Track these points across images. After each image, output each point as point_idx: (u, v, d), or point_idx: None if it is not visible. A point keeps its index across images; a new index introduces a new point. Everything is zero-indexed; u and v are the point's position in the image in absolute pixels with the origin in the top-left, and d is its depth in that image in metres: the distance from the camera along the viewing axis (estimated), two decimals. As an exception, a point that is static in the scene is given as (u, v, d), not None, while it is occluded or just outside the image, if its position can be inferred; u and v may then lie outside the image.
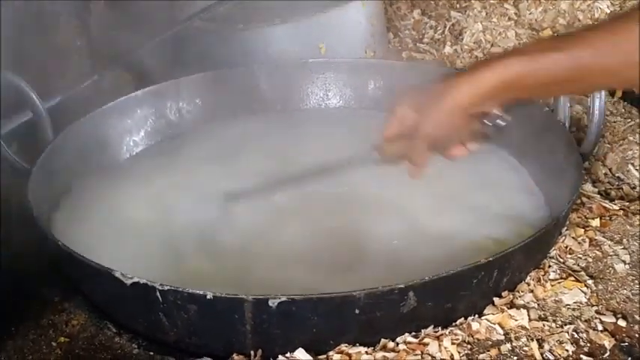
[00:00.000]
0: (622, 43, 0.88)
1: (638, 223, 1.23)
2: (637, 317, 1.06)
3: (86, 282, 1.11)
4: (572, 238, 1.19)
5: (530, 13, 1.98)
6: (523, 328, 1.04)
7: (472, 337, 1.03)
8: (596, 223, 1.23)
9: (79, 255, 1.03)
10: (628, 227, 1.23)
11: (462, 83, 0.98)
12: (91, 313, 1.11)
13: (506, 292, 1.08)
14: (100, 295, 1.10)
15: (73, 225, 1.26)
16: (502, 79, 0.95)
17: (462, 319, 1.04)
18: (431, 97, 1.01)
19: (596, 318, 1.05)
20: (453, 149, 1.06)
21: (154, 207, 1.31)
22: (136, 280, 0.96)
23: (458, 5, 2.07)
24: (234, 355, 1.00)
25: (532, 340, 1.02)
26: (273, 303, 0.93)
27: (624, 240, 1.20)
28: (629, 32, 0.87)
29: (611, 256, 1.17)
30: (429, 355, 0.99)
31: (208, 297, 0.94)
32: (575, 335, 1.03)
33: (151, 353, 1.04)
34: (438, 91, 1.00)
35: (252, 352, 1.00)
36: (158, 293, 0.96)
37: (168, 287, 0.95)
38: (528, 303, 1.08)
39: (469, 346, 1.01)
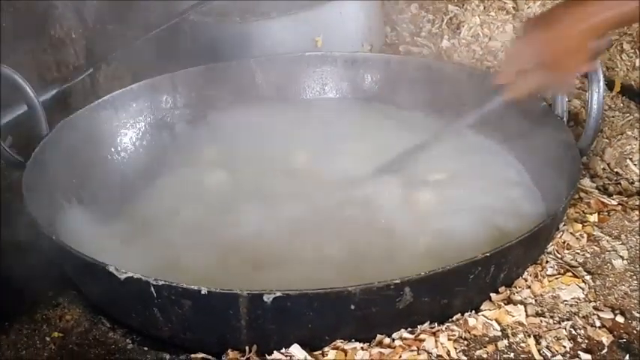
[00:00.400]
0: None
1: (636, 218, 1.23)
2: (635, 313, 1.05)
3: (80, 277, 1.10)
4: (570, 233, 1.19)
5: (528, 7, 1.97)
6: (520, 324, 1.03)
7: (469, 333, 1.02)
8: (594, 218, 1.23)
9: (73, 249, 1.02)
10: (626, 223, 1.22)
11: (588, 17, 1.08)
12: (85, 308, 1.10)
13: (503, 288, 1.08)
14: (94, 290, 1.09)
15: (69, 219, 1.25)
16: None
17: (459, 314, 1.04)
18: (556, 30, 1.11)
19: (594, 314, 1.05)
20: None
21: (153, 203, 1.30)
22: (129, 275, 0.95)
23: (456, -1, 2.06)
24: (229, 351, 1.00)
25: (529, 336, 1.01)
26: (268, 298, 0.92)
27: (622, 235, 1.19)
28: None
29: (609, 251, 1.16)
30: (425, 351, 0.99)
31: (203, 292, 0.93)
32: (573, 331, 1.02)
33: (145, 348, 1.03)
34: (563, 26, 1.10)
35: (247, 348, 0.99)
36: (152, 288, 0.95)
37: (163, 282, 0.94)
38: (525, 299, 1.07)
39: (465, 342, 1.01)
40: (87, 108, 1.40)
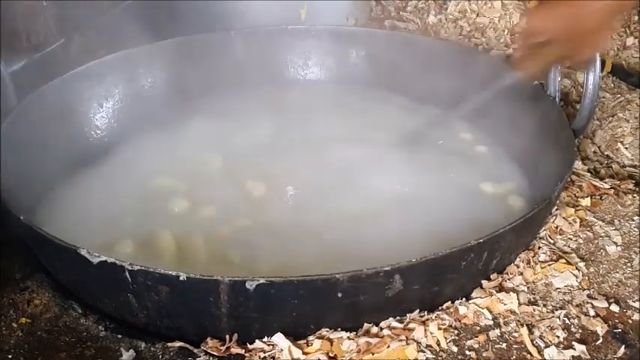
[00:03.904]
0: None
1: (629, 202, 1.19)
2: (630, 302, 1.01)
3: (50, 260, 1.04)
4: (563, 218, 1.15)
5: (516, -17, 1.92)
6: (512, 312, 0.99)
7: (459, 321, 0.98)
8: (586, 202, 1.19)
9: (42, 231, 0.96)
10: (619, 207, 1.19)
11: None
12: (55, 292, 1.04)
13: (495, 275, 1.04)
14: (65, 273, 1.03)
15: (39, 198, 1.19)
16: None
17: (449, 302, 1.00)
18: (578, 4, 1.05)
19: (588, 303, 1.01)
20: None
21: (125, 184, 1.24)
22: (103, 258, 0.90)
23: (443, -27, 2.00)
24: (208, 339, 0.95)
25: (522, 325, 0.97)
26: (250, 285, 0.87)
27: (616, 220, 1.16)
28: None
29: (602, 237, 1.12)
30: (414, 340, 0.94)
31: (181, 278, 0.88)
32: (567, 321, 0.98)
33: (119, 336, 0.97)
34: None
35: (227, 336, 0.94)
36: (127, 273, 0.90)
37: (139, 267, 0.89)
38: (518, 286, 1.03)
39: (456, 332, 0.97)
40: (58, 80, 1.33)
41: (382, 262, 0.89)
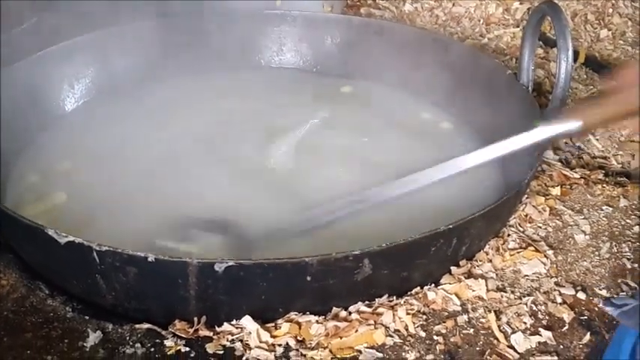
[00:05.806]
0: None
1: (599, 192, 1.21)
2: (597, 290, 1.03)
3: (17, 240, 1.03)
4: (533, 206, 1.16)
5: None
6: (480, 298, 1.00)
7: (428, 307, 0.98)
8: (556, 191, 1.20)
9: (9, 210, 0.95)
10: (589, 197, 1.20)
11: None
12: (22, 273, 1.03)
13: (464, 261, 1.04)
14: (32, 254, 1.02)
15: (5, 176, 1.18)
16: None
17: (418, 288, 1.00)
18: None
19: (555, 290, 1.02)
20: None
21: (90, 164, 1.23)
22: (70, 239, 0.89)
23: (419, -38, 2.00)
24: (176, 322, 0.94)
25: (489, 311, 0.98)
26: (219, 267, 0.87)
27: (585, 210, 1.17)
28: None
29: (571, 226, 1.13)
30: (383, 325, 0.95)
31: (150, 259, 0.87)
32: (534, 307, 0.99)
33: (87, 317, 0.96)
34: None
35: (195, 319, 0.94)
36: (95, 254, 0.89)
37: (107, 248, 0.88)
38: (486, 273, 1.04)
39: (424, 317, 0.97)
40: (28, 59, 1.32)
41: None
